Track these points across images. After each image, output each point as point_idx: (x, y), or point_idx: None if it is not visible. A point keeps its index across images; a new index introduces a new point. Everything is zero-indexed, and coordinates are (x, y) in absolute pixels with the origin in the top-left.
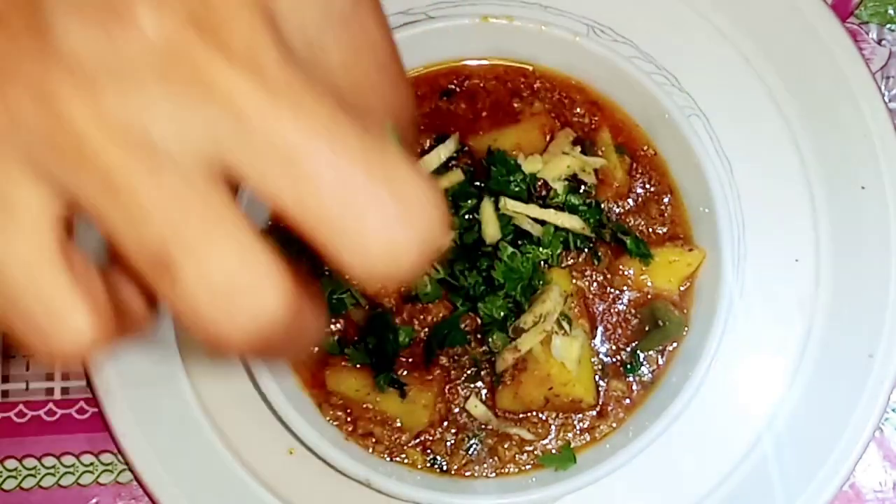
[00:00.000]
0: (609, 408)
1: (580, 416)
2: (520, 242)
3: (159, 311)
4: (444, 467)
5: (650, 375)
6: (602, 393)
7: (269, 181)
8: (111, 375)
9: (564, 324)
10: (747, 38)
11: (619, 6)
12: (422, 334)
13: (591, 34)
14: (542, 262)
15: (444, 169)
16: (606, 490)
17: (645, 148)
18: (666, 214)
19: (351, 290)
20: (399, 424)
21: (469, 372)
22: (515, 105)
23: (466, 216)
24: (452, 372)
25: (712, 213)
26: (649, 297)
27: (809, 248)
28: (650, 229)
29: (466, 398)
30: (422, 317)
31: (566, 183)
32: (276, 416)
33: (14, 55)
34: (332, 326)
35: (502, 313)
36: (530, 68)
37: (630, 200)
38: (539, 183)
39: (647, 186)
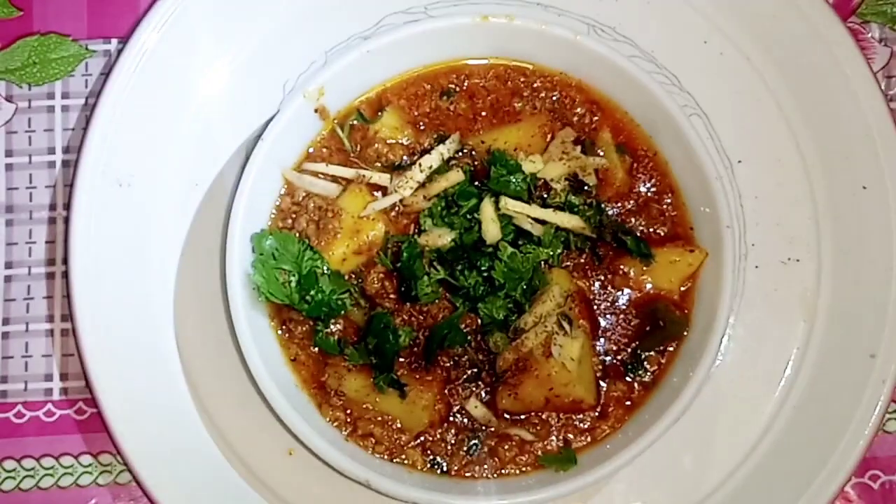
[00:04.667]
0: (610, 408)
1: (581, 416)
2: (520, 242)
3: None
4: (445, 468)
5: (651, 376)
6: (603, 393)
7: None
8: (110, 377)
9: (565, 324)
10: (748, 38)
11: (619, 5)
12: (422, 335)
13: (592, 33)
14: (543, 263)
15: (444, 169)
16: (607, 491)
17: (645, 148)
18: (667, 214)
19: (351, 290)
20: (399, 425)
21: (469, 372)
22: (516, 105)
23: (467, 216)
24: (452, 372)
25: (714, 213)
26: (650, 297)
27: (811, 247)
28: (651, 229)
29: (466, 399)
30: (422, 317)
31: (567, 183)
32: (276, 417)
33: None
34: (332, 327)
35: (502, 314)
36: (531, 68)
37: (631, 200)
38: (539, 183)
39: (648, 186)
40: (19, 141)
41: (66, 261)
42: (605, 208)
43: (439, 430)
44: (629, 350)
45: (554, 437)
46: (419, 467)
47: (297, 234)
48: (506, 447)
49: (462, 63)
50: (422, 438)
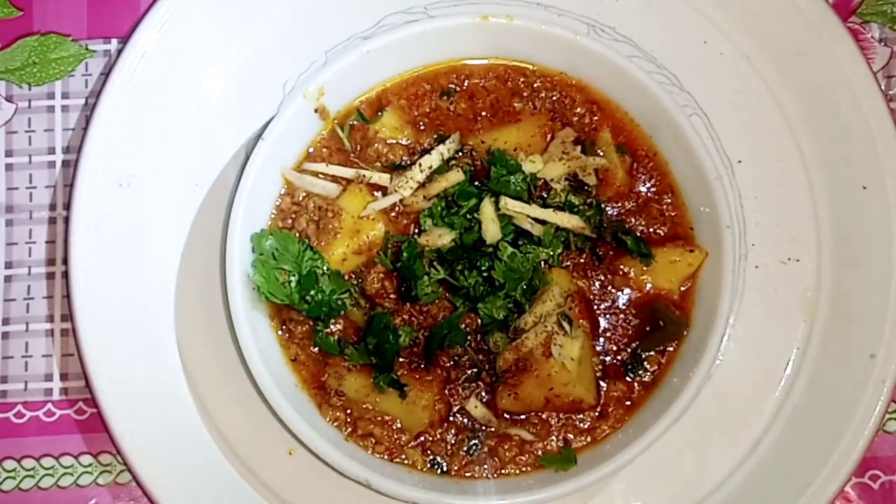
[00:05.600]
0: (610, 408)
1: (581, 416)
2: (520, 242)
3: None
4: (445, 468)
5: (651, 376)
6: (603, 393)
7: None
8: (110, 377)
9: (565, 324)
10: (748, 38)
11: (619, 5)
12: (422, 335)
13: (592, 33)
14: (543, 262)
15: (444, 169)
16: (607, 491)
17: (645, 148)
18: (667, 214)
19: (351, 290)
20: (399, 425)
21: (469, 372)
22: (516, 105)
23: (467, 216)
24: (452, 372)
25: (713, 213)
26: (650, 297)
27: (811, 247)
28: (651, 229)
29: (466, 399)
30: (422, 317)
31: (567, 183)
32: (276, 417)
33: None
34: (332, 327)
35: (502, 313)
36: (530, 67)
37: (631, 200)
38: (539, 183)
39: (648, 186)
40: (19, 141)
41: (66, 261)
42: (605, 208)
43: (439, 430)
44: (629, 350)
45: (554, 437)
46: (419, 467)
47: (297, 234)
48: (506, 447)
49: (462, 63)
50: (422, 438)
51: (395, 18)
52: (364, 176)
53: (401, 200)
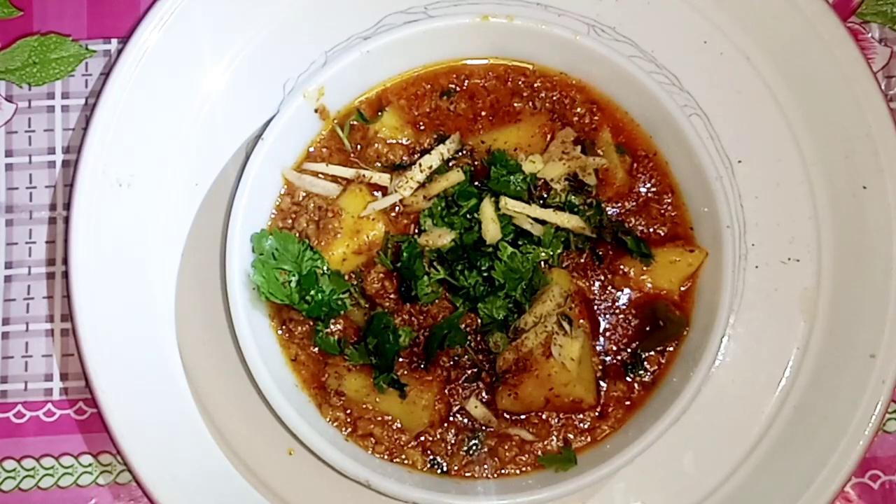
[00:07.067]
0: (610, 408)
1: (581, 416)
2: (520, 242)
3: None
4: (445, 468)
5: (651, 376)
6: (603, 393)
7: None
8: (110, 377)
9: (565, 324)
10: (748, 38)
11: (619, 5)
12: (422, 335)
13: (592, 33)
14: (543, 263)
15: (444, 169)
16: (607, 491)
17: (645, 148)
18: (667, 214)
19: (351, 290)
20: (399, 425)
21: (469, 372)
22: (516, 104)
23: (467, 216)
24: (452, 372)
25: (713, 213)
26: (650, 297)
27: (811, 247)
28: (651, 229)
29: (466, 399)
30: (422, 317)
31: (567, 183)
32: (276, 417)
33: None
34: (332, 327)
35: (502, 313)
36: (530, 67)
37: (631, 200)
38: (539, 183)
39: (648, 186)
40: (19, 141)
41: (66, 261)
42: (605, 208)
43: (439, 430)
44: (629, 350)
45: (554, 437)
46: (419, 467)
47: (297, 234)
48: (506, 447)
49: (462, 63)
50: (422, 438)
51: (395, 18)
52: (364, 176)
53: (401, 200)
